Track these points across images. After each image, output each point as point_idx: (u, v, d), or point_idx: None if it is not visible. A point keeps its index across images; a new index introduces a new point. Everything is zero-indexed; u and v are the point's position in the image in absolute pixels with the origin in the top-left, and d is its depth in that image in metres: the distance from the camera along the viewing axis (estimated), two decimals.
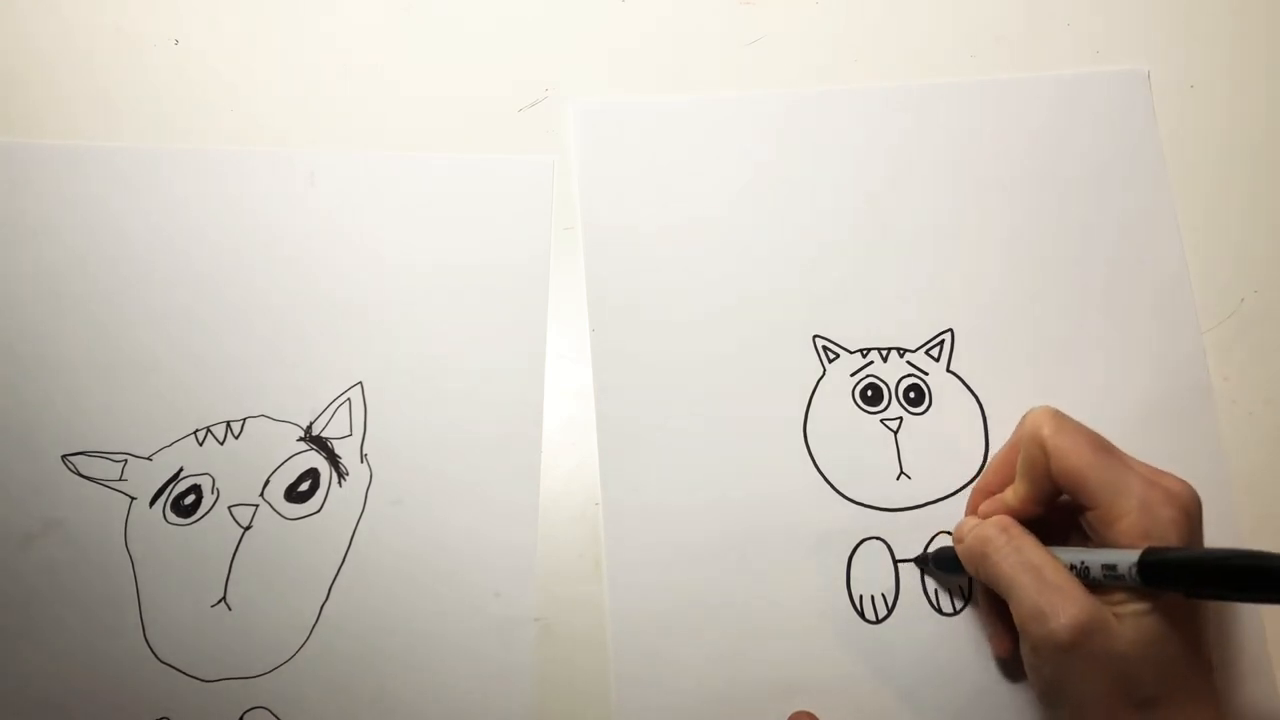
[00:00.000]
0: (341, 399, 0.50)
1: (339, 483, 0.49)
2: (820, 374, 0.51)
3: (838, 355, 0.51)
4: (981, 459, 0.50)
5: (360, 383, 0.51)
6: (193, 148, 0.55)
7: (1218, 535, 0.48)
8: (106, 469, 0.49)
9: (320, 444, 0.50)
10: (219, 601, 0.47)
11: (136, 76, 0.56)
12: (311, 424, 0.50)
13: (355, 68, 0.56)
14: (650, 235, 0.53)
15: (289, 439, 0.50)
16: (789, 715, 0.46)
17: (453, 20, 0.58)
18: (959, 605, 0.48)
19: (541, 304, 0.52)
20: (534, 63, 0.57)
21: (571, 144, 0.55)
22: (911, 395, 0.51)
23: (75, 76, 0.56)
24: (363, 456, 0.50)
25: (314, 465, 0.49)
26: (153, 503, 0.49)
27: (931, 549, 0.48)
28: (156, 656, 0.47)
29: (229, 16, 0.57)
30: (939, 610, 0.48)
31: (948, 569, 0.46)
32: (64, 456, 0.49)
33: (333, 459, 0.49)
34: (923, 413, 0.50)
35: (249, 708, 0.46)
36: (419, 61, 0.57)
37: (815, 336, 0.52)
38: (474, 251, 0.53)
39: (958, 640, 0.47)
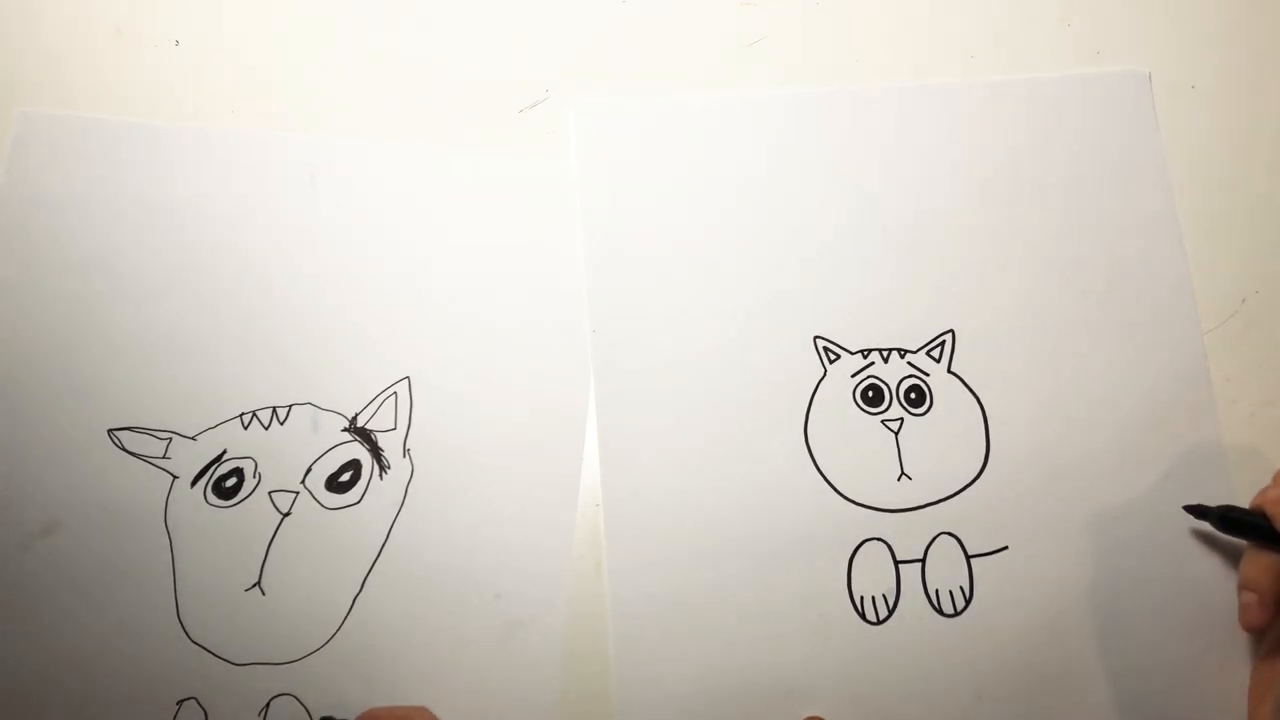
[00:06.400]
0: (388, 392, 0.50)
1: (380, 475, 0.49)
2: (821, 375, 0.51)
3: (838, 356, 0.51)
4: (982, 459, 0.50)
5: (407, 377, 0.51)
6: (248, 130, 0.55)
7: (1217, 538, 0.48)
8: (151, 446, 0.49)
9: (364, 436, 0.50)
10: (254, 586, 0.48)
11: (137, 78, 0.56)
12: (357, 415, 0.50)
13: (356, 69, 0.56)
14: (650, 235, 0.53)
15: (334, 429, 0.50)
16: None
17: (453, 21, 0.58)
18: (960, 606, 0.48)
19: (580, 305, 0.52)
20: (534, 63, 0.57)
21: (572, 144, 0.55)
22: (912, 396, 0.51)
23: (76, 78, 0.55)
24: (405, 451, 0.50)
25: (356, 456, 0.50)
26: (194, 483, 0.49)
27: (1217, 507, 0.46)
28: (188, 636, 0.47)
29: (229, 18, 0.57)
30: (940, 611, 0.48)
31: (1240, 534, 0.45)
32: (109, 431, 0.49)
33: (375, 451, 0.50)
34: (924, 413, 0.50)
35: (276, 694, 0.46)
36: (420, 62, 0.57)
37: (816, 337, 0.52)
38: (517, 251, 0.53)
39: (958, 641, 0.47)
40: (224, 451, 0.49)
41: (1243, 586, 0.44)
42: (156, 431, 0.50)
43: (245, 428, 0.50)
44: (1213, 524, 0.46)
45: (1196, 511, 0.47)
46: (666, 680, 0.46)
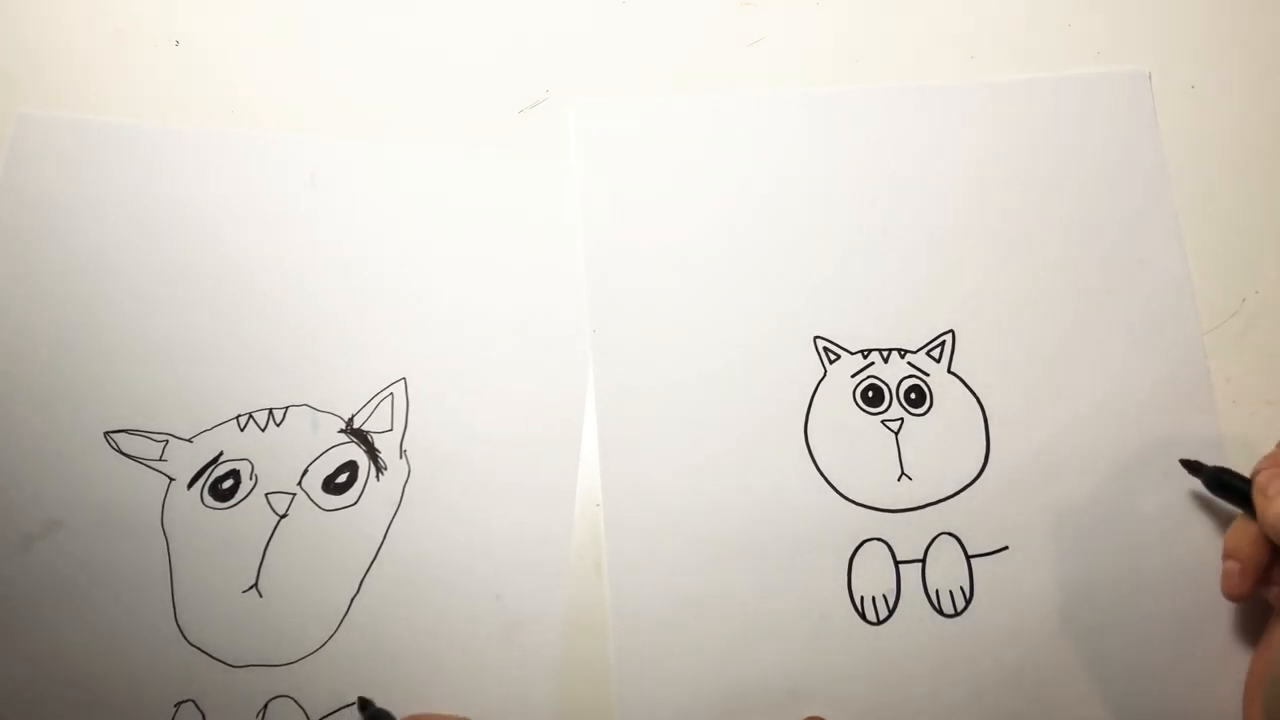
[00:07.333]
0: (384, 393, 0.50)
1: (377, 477, 0.49)
2: (821, 375, 0.51)
3: (838, 356, 0.51)
4: (983, 459, 0.50)
5: (404, 378, 0.51)
6: (247, 130, 0.55)
7: (1217, 538, 0.48)
8: (147, 448, 0.49)
9: (360, 437, 0.50)
10: (251, 588, 0.48)
11: (137, 78, 0.56)
12: (353, 416, 0.50)
13: (356, 69, 0.56)
14: (650, 236, 0.53)
15: (330, 430, 0.50)
16: None
17: (453, 21, 0.58)
18: (960, 606, 0.48)
19: (579, 305, 0.52)
20: (534, 63, 0.57)
21: (572, 144, 0.55)
22: (912, 396, 0.51)
23: (75, 78, 0.55)
24: (402, 452, 0.50)
25: (353, 458, 0.50)
26: (191, 485, 0.49)
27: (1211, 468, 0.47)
28: (185, 638, 0.47)
29: (229, 17, 0.57)
30: (940, 611, 0.48)
31: (1227, 496, 0.46)
32: (106, 433, 0.49)
33: (372, 453, 0.50)
34: (924, 414, 0.50)
35: (274, 695, 0.46)
36: (420, 62, 0.57)
37: (816, 337, 0.52)
38: (517, 251, 0.53)
39: (959, 641, 0.47)
40: (220, 453, 0.49)
41: (1226, 555, 0.45)
42: (152, 434, 0.50)
43: (242, 429, 0.50)
44: (1204, 483, 0.47)
45: (1191, 466, 0.47)
46: (667, 679, 0.46)
